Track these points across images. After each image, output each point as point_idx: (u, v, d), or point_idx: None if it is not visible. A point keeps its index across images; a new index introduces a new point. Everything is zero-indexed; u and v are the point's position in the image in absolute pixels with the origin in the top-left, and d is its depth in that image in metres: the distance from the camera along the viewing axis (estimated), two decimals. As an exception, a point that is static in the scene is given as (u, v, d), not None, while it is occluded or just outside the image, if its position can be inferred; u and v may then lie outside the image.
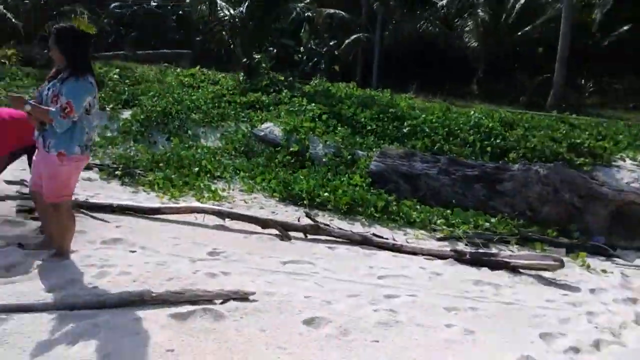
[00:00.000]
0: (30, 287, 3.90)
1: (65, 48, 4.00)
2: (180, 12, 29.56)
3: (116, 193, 7.02)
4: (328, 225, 6.20)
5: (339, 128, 9.84)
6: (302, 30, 25.97)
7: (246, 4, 12.81)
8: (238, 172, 8.46)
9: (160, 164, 8.15)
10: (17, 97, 4.13)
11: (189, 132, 9.75)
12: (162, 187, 7.23)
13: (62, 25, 4.16)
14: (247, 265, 4.89)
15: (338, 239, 6.04)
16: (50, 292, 3.84)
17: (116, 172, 7.69)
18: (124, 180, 7.57)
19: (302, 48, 26.47)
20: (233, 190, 7.74)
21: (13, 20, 15.28)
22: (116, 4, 27.09)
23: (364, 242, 5.98)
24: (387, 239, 6.15)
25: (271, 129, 9.57)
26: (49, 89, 4.23)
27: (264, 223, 6.03)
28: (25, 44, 14.89)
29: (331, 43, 28.81)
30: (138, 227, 5.67)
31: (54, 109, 4.06)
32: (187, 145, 9.10)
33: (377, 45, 23.70)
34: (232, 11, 13.01)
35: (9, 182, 6.60)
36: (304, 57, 26.12)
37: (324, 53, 26.56)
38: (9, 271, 4.22)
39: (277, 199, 7.51)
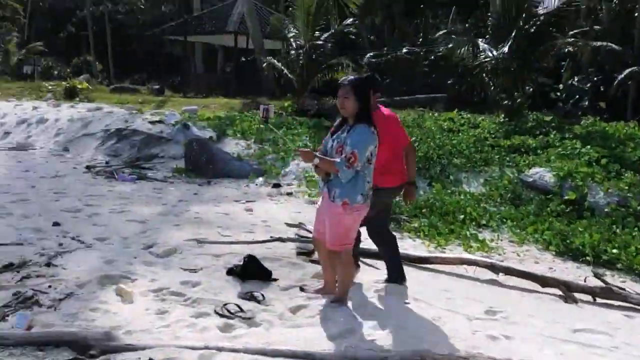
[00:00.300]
0: (313, 333, 3.97)
1: (360, 98, 4.10)
2: (432, 57, 30.15)
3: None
4: (623, 288, 5.32)
5: (626, 174, 8.62)
6: (565, 66, 24.18)
7: (509, 43, 12.30)
8: (505, 220, 7.91)
9: (424, 210, 8.04)
10: (307, 152, 4.32)
11: (451, 177, 9.53)
12: (428, 234, 7.08)
13: (357, 76, 4.29)
14: (530, 330, 4.37)
15: (637, 307, 5.13)
16: (332, 341, 3.85)
17: (382, 217, 7.76)
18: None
19: (560, 85, 24.65)
20: (501, 240, 7.23)
21: (289, 75, 17.09)
22: (372, 53, 28.77)
23: (672, 312, 4.98)
24: None
25: (541, 174, 8.82)
26: (333, 140, 4.38)
27: (544, 281, 5.42)
28: (298, 96, 16.46)
29: (595, 78, 26.31)
30: (408, 276, 5.54)
31: (339, 160, 4.17)
32: (449, 191, 8.87)
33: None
34: (494, 52, 12.61)
35: (289, 225, 7.13)
36: (563, 95, 24.26)
37: (587, 89, 24.34)
38: (294, 314, 4.40)
39: (554, 252, 6.77)
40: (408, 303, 4.73)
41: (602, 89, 25.46)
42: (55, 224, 6.45)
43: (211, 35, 26.03)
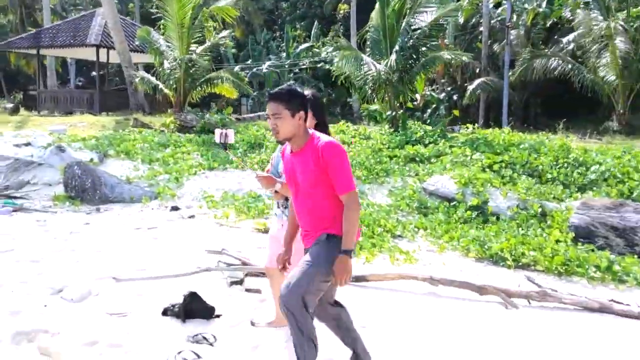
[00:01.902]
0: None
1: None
2: (297, 70, 30.73)
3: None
4: (555, 290, 5.55)
5: (522, 178, 9.15)
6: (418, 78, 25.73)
7: (392, 57, 12.68)
8: (417, 230, 8.01)
9: (338, 225, 7.88)
10: (267, 177, 3.90)
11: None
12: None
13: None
14: (476, 339, 4.39)
15: (568, 306, 5.37)
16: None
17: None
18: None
19: (417, 96, 26.23)
20: (420, 250, 7.28)
21: (165, 90, 16.23)
22: (239, 67, 28.81)
23: (602, 309, 5.26)
24: (628, 304, 5.38)
25: (443, 182, 9.08)
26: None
27: (482, 289, 5.49)
28: (177, 111, 15.68)
29: (449, 88, 28.32)
30: (353, 298, 5.33)
31: (300, 184, 3.86)
32: (358, 204, 8.81)
33: (505, 87, 22.85)
34: (377, 66, 12.92)
35: (210, 252, 6.60)
36: (421, 105, 25.84)
37: (441, 99, 26.15)
38: (254, 351, 4.02)
39: (474, 259, 6.94)
40: (364, 327, 4.53)
41: (455, 99, 27.55)
42: None
43: (68, 49, 23.99)
